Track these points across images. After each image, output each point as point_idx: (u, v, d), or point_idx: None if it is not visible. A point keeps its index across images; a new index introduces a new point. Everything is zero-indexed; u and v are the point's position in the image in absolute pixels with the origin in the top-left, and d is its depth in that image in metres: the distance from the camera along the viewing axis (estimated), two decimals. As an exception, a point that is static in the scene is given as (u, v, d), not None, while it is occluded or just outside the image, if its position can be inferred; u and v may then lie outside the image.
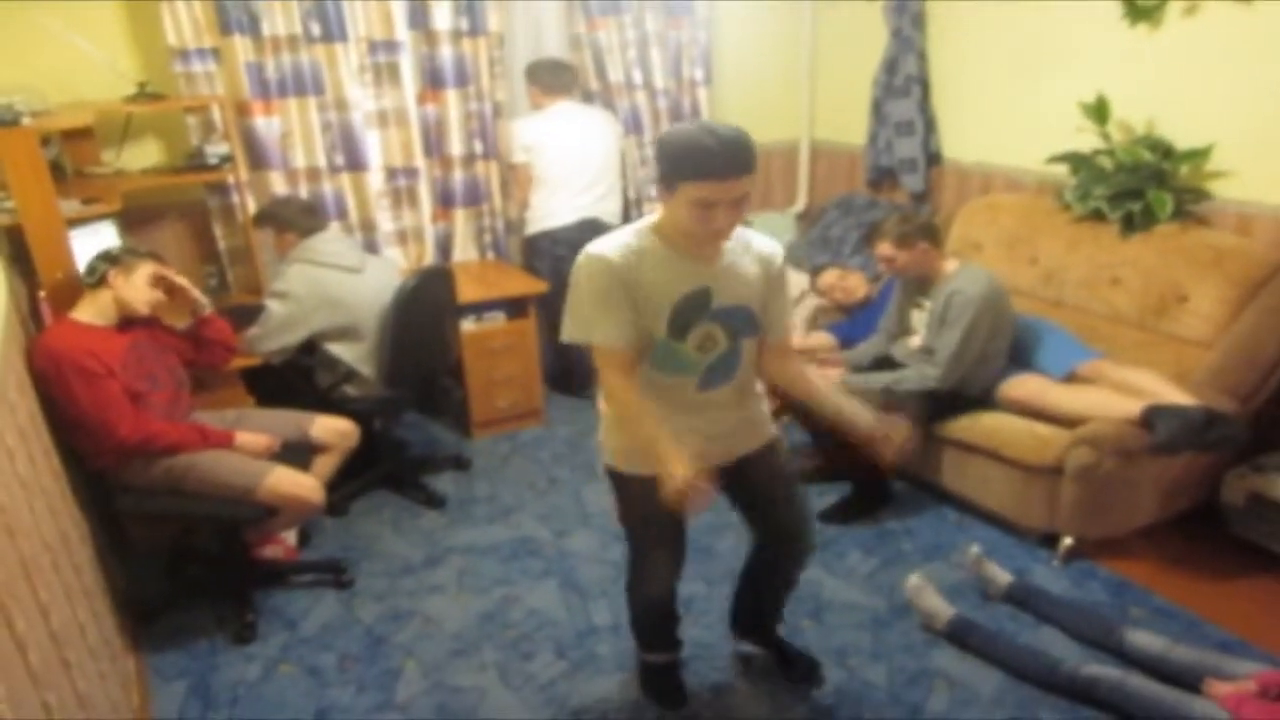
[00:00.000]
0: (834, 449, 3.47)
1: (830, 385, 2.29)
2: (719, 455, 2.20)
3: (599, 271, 1.96)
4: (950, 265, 3.27)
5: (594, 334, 1.99)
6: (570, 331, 2.05)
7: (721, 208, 1.87)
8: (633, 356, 2.03)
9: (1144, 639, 2.56)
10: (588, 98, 4.44)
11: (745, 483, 2.34)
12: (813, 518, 2.44)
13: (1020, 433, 3.12)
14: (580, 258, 2.00)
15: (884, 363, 3.46)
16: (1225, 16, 3.22)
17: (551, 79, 4.17)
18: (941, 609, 2.77)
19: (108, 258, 2.77)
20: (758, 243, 2.14)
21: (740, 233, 2.08)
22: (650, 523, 2.26)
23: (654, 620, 2.54)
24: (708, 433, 2.17)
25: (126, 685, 2.48)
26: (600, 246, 2.00)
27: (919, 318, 3.36)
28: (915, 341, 3.36)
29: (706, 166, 1.82)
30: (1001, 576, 2.92)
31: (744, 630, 2.75)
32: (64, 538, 2.27)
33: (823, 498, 3.49)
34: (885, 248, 3.24)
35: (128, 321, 2.79)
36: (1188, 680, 2.39)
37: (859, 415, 2.22)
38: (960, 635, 2.71)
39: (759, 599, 2.65)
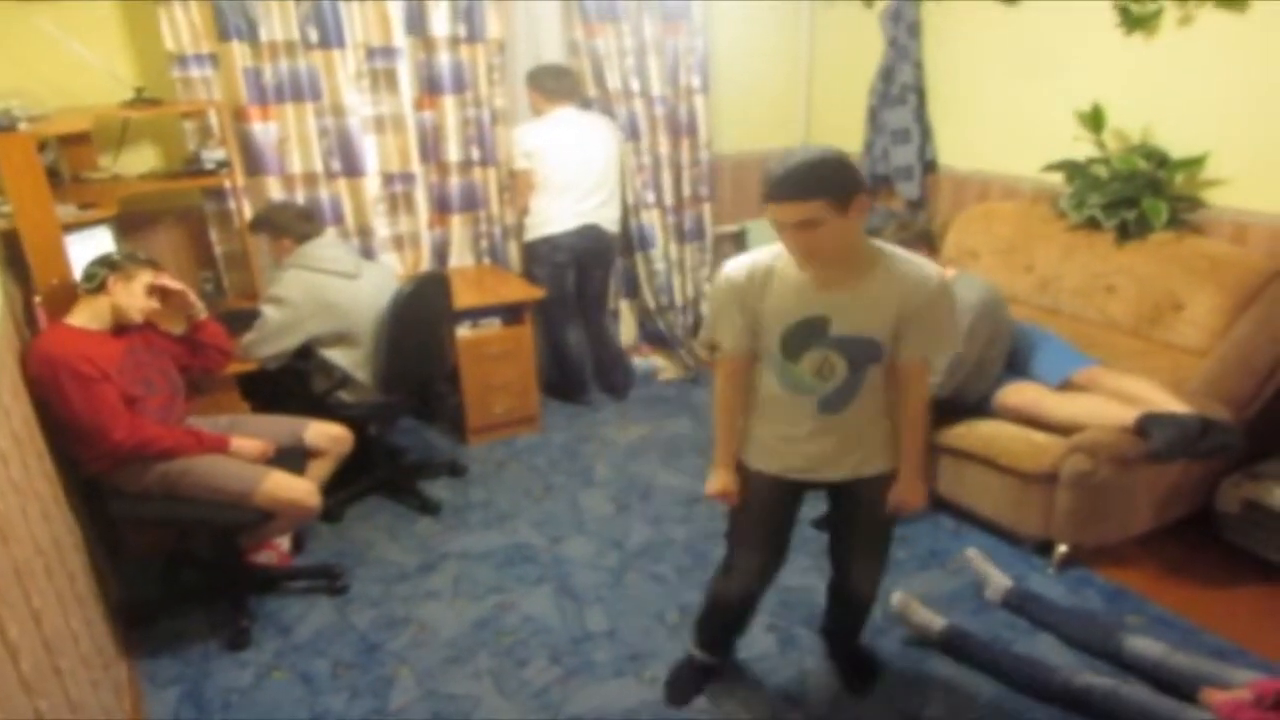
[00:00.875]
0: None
1: (918, 439, 2.27)
2: (816, 472, 2.27)
3: (723, 285, 2.14)
4: (947, 273, 3.27)
5: (718, 337, 2.20)
6: (704, 332, 2.27)
7: (788, 230, 1.96)
8: (742, 364, 2.21)
9: (1142, 645, 2.57)
10: (586, 104, 4.45)
11: (837, 507, 2.41)
12: (877, 570, 2.46)
13: (1016, 440, 3.12)
14: (719, 272, 2.17)
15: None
16: (1220, 26, 3.23)
17: (553, 85, 4.17)
18: (932, 620, 2.76)
19: (108, 263, 2.76)
20: (907, 269, 2.06)
21: (900, 258, 2.06)
22: (756, 521, 2.34)
23: (720, 619, 2.57)
24: (812, 450, 2.23)
25: (119, 692, 2.47)
26: (735, 262, 2.15)
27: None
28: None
29: (771, 191, 1.93)
30: (1001, 578, 2.92)
31: (830, 641, 2.80)
32: (57, 543, 2.26)
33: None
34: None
35: (123, 326, 2.79)
36: (1184, 688, 2.39)
37: (908, 473, 2.26)
38: (955, 645, 2.71)
39: (843, 614, 2.67)
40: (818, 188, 1.89)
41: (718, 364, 2.27)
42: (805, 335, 2.08)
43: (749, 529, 2.38)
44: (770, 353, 2.14)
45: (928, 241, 3.24)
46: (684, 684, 2.64)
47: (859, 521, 2.39)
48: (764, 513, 2.35)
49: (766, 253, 2.13)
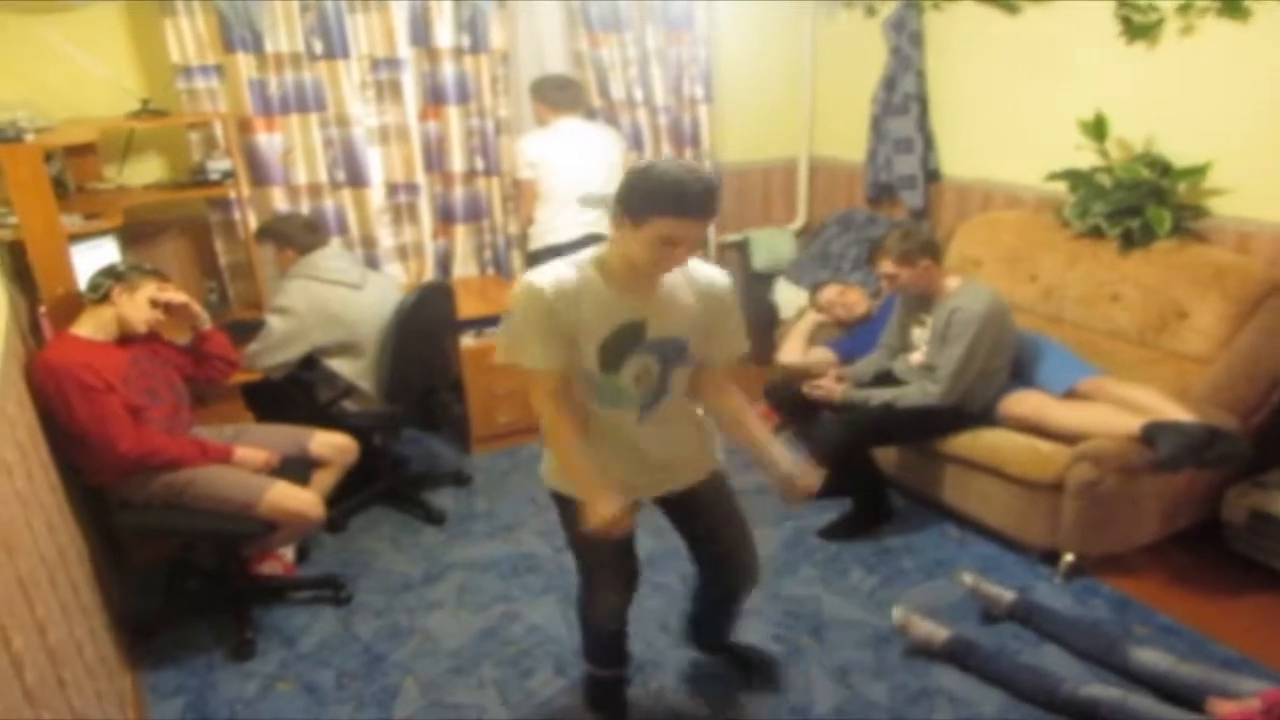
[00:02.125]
0: (835, 465, 3.47)
1: (762, 424, 2.33)
2: (659, 486, 2.25)
3: (532, 299, 1.99)
4: (952, 282, 3.27)
5: (523, 357, 2.03)
6: (502, 354, 2.07)
7: (685, 246, 1.91)
8: (561, 382, 2.06)
9: (1149, 656, 2.55)
10: (590, 114, 4.46)
11: (689, 515, 2.37)
12: (756, 551, 2.45)
13: (1021, 449, 3.11)
14: (517, 284, 2.04)
15: (885, 378, 3.46)
16: (1222, 34, 3.24)
17: (557, 95, 4.18)
18: (936, 631, 2.74)
19: (113, 274, 2.77)
20: (700, 273, 2.14)
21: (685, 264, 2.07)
22: (600, 548, 2.24)
23: (604, 638, 2.53)
24: (648, 463, 2.20)
25: (123, 703, 2.47)
26: (537, 275, 2.02)
27: (920, 334, 3.36)
28: (916, 358, 3.36)
29: (684, 205, 1.84)
30: (1004, 595, 2.90)
31: (700, 645, 2.79)
32: (62, 554, 2.26)
33: (823, 514, 3.49)
34: (887, 265, 3.24)
35: (128, 336, 2.79)
36: (1192, 698, 2.37)
37: (782, 458, 2.23)
38: (959, 656, 2.70)
39: (711, 621, 2.70)
40: (717, 205, 1.90)
41: (533, 390, 2.07)
42: (624, 342, 2.02)
43: (601, 558, 2.30)
44: (585, 370, 2.05)
45: (931, 252, 3.24)
46: (604, 703, 2.59)
47: (714, 517, 2.36)
48: (608, 539, 2.15)
49: (564, 264, 2.03)
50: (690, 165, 1.90)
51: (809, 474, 2.23)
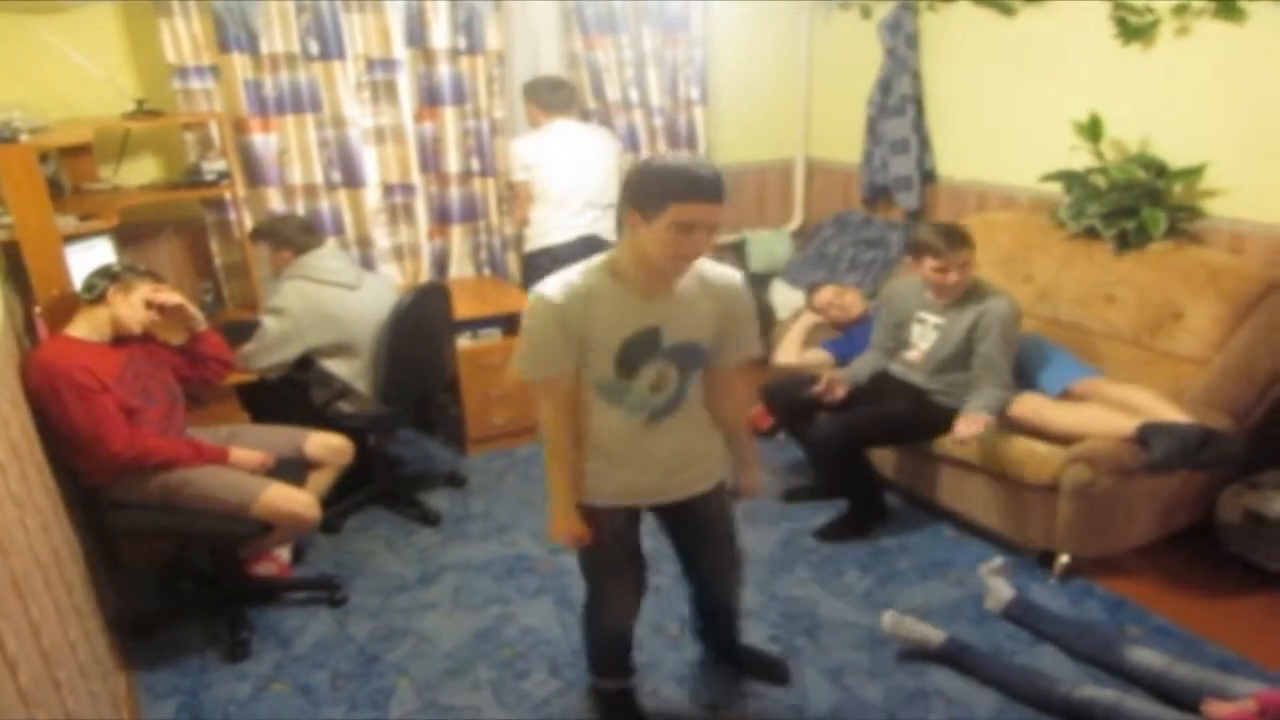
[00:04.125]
0: (831, 466, 3.47)
1: (749, 431, 2.41)
2: (668, 493, 2.24)
3: (542, 311, 1.99)
4: (971, 282, 3.27)
5: (535, 370, 2.04)
6: (518, 371, 2.07)
7: (701, 232, 1.90)
8: (569, 393, 2.07)
9: (1144, 656, 2.56)
10: (585, 116, 4.46)
11: (685, 523, 2.37)
12: (740, 556, 2.51)
13: (1017, 450, 3.11)
14: (529, 297, 2.04)
15: (882, 378, 3.46)
16: (1217, 36, 3.24)
17: (550, 97, 4.18)
18: (930, 634, 2.74)
19: (107, 274, 2.77)
20: (713, 274, 2.14)
21: (697, 265, 2.08)
22: (609, 553, 2.26)
23: (610, 647, 2.52)
24: (657, 468, 2.19)
25: (117, 704, 2.46)
26: (547, 287, 2.01)
27: (920, 332, 3.35)
28: (914, 355, 3.36)
29: (699, 188, 1.86)
30: (1005, 591, 2.91)
31: (710, 649, 2.80)
32: (56, 554, 2.26)
33: (818, 515, 3.49)
34: (968, 254, 3.18)
35: (123, 337, 2.79)
36: (1187, 699, 2.38)
37: (749, 470, 2.39)
38: (954, 657, 2.70)
39: (711, 626, 2.72)
40: (726, 190, 1.92)
41: (541, 397, 2.08)
42: (640, 349, 2.02)
43: (610, 565, 2.31)
44: (600, 376, 2.05)
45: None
46: (625, 715, 2.57)
47: (711, 536, 2.39)
48: (619, 544, 2.27)
49: (574, 273, 2.03)
50: (694, 156, 1.91)
51: (756, 488, 2.40)
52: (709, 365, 2.18)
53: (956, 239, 3.17)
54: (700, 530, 2.38)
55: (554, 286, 2.00)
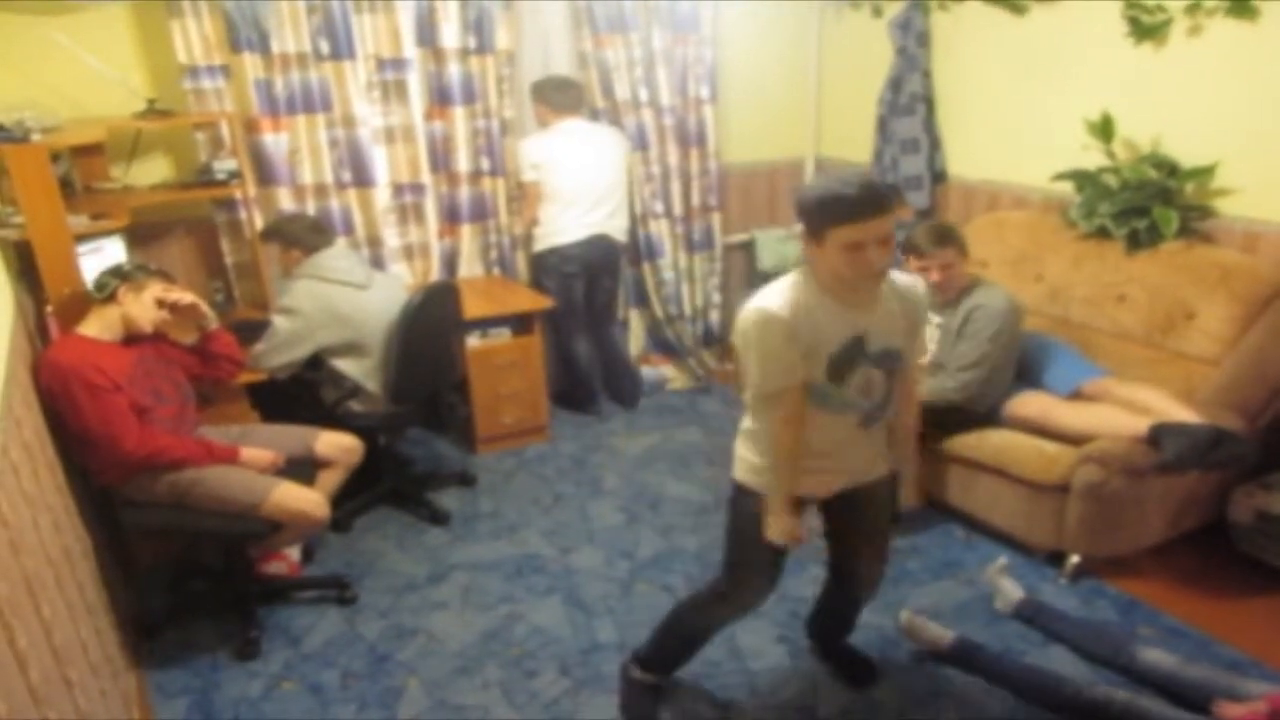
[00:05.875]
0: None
1: (914, 433, 2.44)
2: (856, 482, 2.31)
3: (776, 329, 2.04)
4: (965, 280, 3.27)
5: (777, 383, 2.09)
6: (759, 387, 2.10)
7: (871, 247, 1.95)
8: (799, 400, 2.11)
9: (1155, 657, 2.55)
10: (594, 115, 4.46)
11: (854, 509, 2.39)
12: (886, 565, 2.55)
13: (1027, 450, 3.10)
14: (751, 314, 2.08)
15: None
16: (1230, 35, 3.22)
17: (559, 97, 4.18)
18: (940, 634, 2.74)
19: (118, 273, 2.78)
20: (904, 284, 2.22)
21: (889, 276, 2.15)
22: (763, 549, 2.28)
23: (689, 644, 2.55)
24: (859, 467, 2.28)
25: (128, 702, 2.47)
26: (768, 302, 2.07)
27: (928, 333, 3.34)
28: (923, 359, 3.35)
29: (851, 210, 1.93)
30: (1014, 592, 2.90)
31: (816, 643, 2.83)
32: (67, 553, 2.27)
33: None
34: (951, 254, 3.22)
35: (134, 336, 2.80)
36: (1198, 700, 2.37)
37: (911, 483, 2.46)
38: (965, 657, 2.69)
39: (831, 622, 2.74)
40: (891, 201, 1.97)
41: (774, 407, 2.13)
42: (849, 357, 2.10)
43: (761, 558, 2.32)
44: (813, 383, 2.12)
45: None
46: (645, 711, 2.58)
47: (867, 524, 2.42)
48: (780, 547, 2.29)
49: (784, 287, 2.10)
50: (841, 175, 2.00)
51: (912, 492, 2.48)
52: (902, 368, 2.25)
53: (935, 238, 3.22)
54: (859, 515, 2.40)
55: (776, 302, 2.06)
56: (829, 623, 2.75)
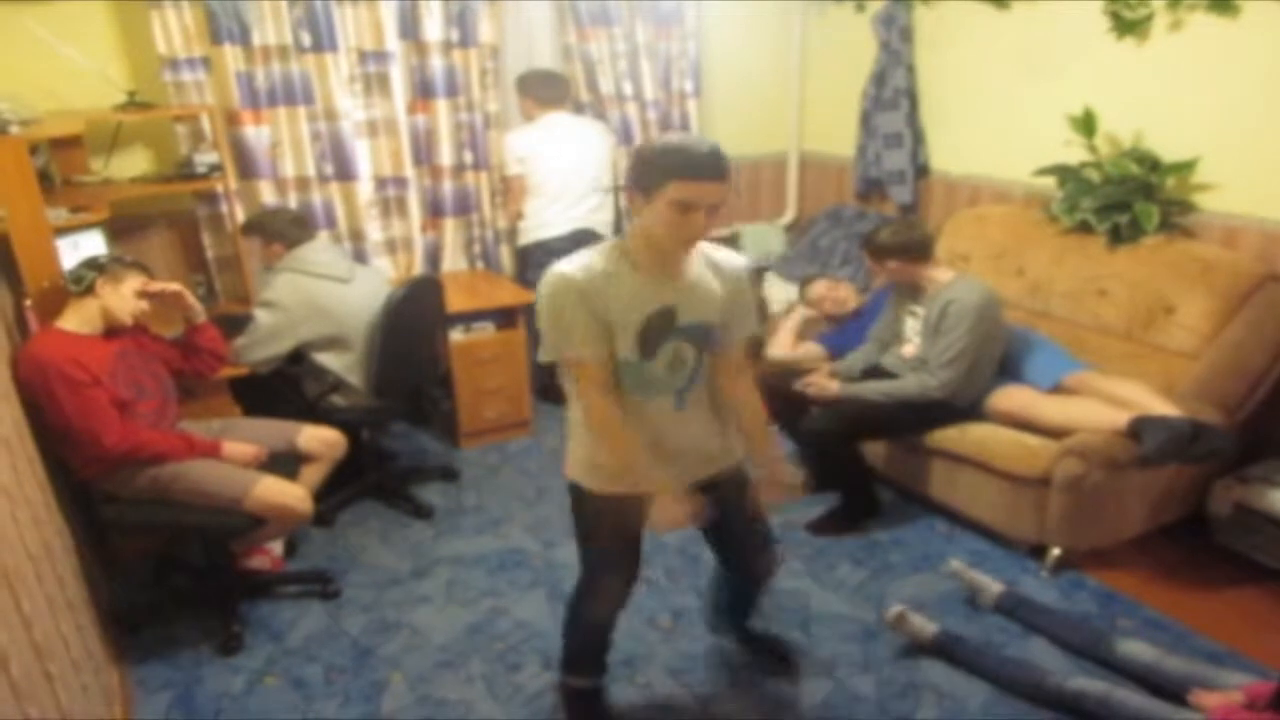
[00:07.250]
0: (823, 459, 3.47)
1: (763, 419, 2.33)
2: (688, 475, 2.21)
3: (563, 289, 1.98)
4: (945, 274, 3.28)
5: (568, 349, 2.02)
6: (547, 352, 2.07)
7: (701, 211, 1.90)
8: (608, 373, 2.04)
9: (1135, 648, 2.57)
10: (579, 109, 4.45)
11: (715, 504, 2.33)
12: (772, 541, 2.51)
13: (1009, 444, 3.12)
14: (545, 277, 2.03)
15: (874, 372, 3.47)
16: (1211, 31, 3.25)
17: (544, 90, 4.17)
18: (924, 626, 2.76)
19: (95, 266, 2.75)
20: (723, 258, 2.17)
21: (706, 249, 2.13)
22: (612, 543, 2.25)
23: (588, 643, 2.50)
24: (691, 454, 2.21)
25: (109, 698, 2.46)
26: (563, 266, 2.01)
27: (912, 326, 3.36)
28: (908, 350, 3.37)
29: (695, 166, 1.86)
30: (992, 585, 2.92)
31: (723, 631, 2.81)
32: (48, 548, 2.25)
33: (810, 509, 3.49)
34: (898, 264, 3.29)
35: (114, 330, 2.78)
36: (1177, 691, 2.39)
37: (773, 458, 2.31)
38: (946, 650, 2.71)
39: (733, 607, 2.73)
40: (730, 172, 1.92)
41: (581, 382, 2.05)
42: (659, 328, 2.03)
43: (610, 553, 2.29)
44: (621, 357, 2.04)
45: (922, 252, 3.24)
46: (592, 714, 2.55)
47: (739, 515, 2.35)
48: (621, 531, 2.23)
49: (587, 254, 2.04)
50: (693, 135, 1.91)
51: (791, 473, 2.31)
52: (720, 347, 2.18)
53: (897, 248, 3.26)
54: (728, 508, 2.33)
55: (571, 264, 2.01)
56: (738, 607, 2.72)
